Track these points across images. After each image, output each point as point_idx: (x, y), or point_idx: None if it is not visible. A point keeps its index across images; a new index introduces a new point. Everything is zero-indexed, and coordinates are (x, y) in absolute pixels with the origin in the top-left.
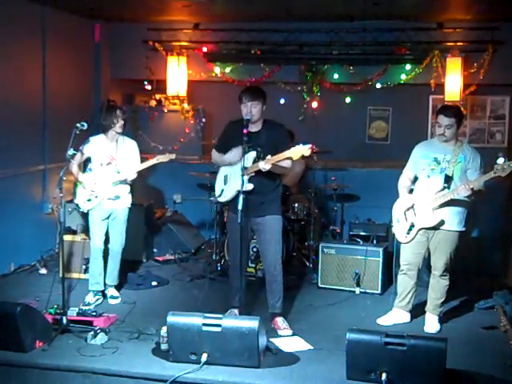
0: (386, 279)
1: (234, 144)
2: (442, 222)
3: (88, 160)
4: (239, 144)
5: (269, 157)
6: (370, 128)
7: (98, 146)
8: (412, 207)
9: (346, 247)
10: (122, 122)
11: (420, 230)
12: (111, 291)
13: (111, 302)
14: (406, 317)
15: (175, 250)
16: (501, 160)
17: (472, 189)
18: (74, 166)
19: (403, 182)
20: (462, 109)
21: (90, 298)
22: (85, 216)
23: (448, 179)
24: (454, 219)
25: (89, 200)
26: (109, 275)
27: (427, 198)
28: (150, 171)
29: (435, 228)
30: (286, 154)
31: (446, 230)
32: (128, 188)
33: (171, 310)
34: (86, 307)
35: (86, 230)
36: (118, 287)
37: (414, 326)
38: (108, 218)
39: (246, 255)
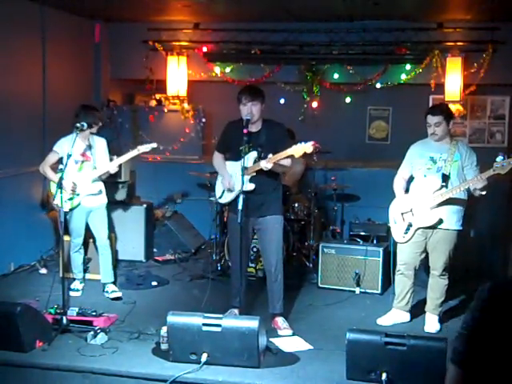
0: (386, 279)
1: (234, 144)
2: (440, 221)
3: (60, 160)
4: (239, 144)
5: (270, 155)
6: (370, 128)
7: (69, 146)
8: (410, 207)
9: (346, 247)
10: (100, 124)
11: (418, 229)
12: (111, 287)
13: (113, 295)
14: (405, 317)
15: (175, 250)
16: (499, 158)
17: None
18: (47, 168)
19: (398, 182)
20: (462, 108)
21: (77, 284)
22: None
23: (445, 178)
24: (451, 218)
25: (70, 199)
26: (104, 273)
27: (425, 197)
28: (150, 171)
29: (433, 227)
30: (288, 151)
31: (445, 229)
32: (102, 186)
33: (171, 310)
34: (75, 293)
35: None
36: (118, 286)
37: (413, 326)
38: (88, 216)
39: (246, 255)
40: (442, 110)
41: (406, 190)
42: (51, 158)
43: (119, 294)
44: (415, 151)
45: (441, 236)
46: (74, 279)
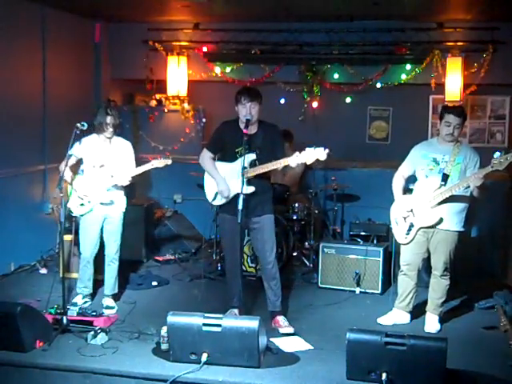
0: (386, 279)
1: (230, 145)
2: (441, 220)
3: (80, 162)
4: (235, 145)
5: (297, 153)
6: (370, 128)
7: (89, 147)
8: (410, 208)
9: (346, 247)
10: (108, 122)
11: (419, 229)
12: (107, 301)
13: (106, 312)
14: (406, 317)
15: (175, 250)
16: (497, 154)
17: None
18: (66, 169)
19: (397, 181)
20: None
21: (78, 299)
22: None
23: (445, 177)
24: (452, 219)
25: (82, 205)
26: (106, 285)
27: (425, 197)
28: (150, 171)
29: (434, 227)
30: (301, 159)
31: (445, 229)
32: (122, 192)
33: (171, 310)
34: (72, 309)
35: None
36: (120, 288)
37: (414, 326)
38: (102, 224)
39: (241, 255)
40: (463, 112)
41: (408, 191)
42: (69, 160)
43: (112, 311)
44: (418, 152)
45: (442, 237)
46: (77, 281)
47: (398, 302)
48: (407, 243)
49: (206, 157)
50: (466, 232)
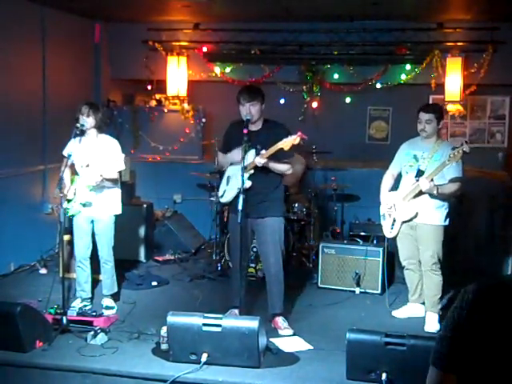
0: (386, 279)
1: (235, 144)
2: (416, 214)
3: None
4: (240, 144)
5: (263, 151)
6: (370, 128)
7: (75, 147)
8: (392, 203)
9: (346, 247)
10: (84, 119)
11: (402, 224)
12: (107, 301)
13: (106, 312)
14: (420, 310)
15: (175, 250)
16: (451, 150)
17: (432, 180)
18: (64, 171)
19: (386, 179)
20: (462, 108)
21: (76, 303)
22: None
23: (420, 173)
24: (430, 213)
25: (72, 206)
26: (103, 285)
27: (403, 192)
28: (150, 171)
29: (414, 221)
30: (279, 145)
31: (424, 223)
32: (111, 193)
33: (171, 310)
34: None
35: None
36: (118, 287)
37: (414, 326)
38: (92, 225)
39: (246, 255)
40: (435, 109)
41: (396, 188)
42: (64, 162)
43: (112, 312)
44: (403, 149)
45: (423, 231)
46: (76, 297)
47: (410, 296)
48: (393, 237)
49: (219, 157)
50: (466, 232)
